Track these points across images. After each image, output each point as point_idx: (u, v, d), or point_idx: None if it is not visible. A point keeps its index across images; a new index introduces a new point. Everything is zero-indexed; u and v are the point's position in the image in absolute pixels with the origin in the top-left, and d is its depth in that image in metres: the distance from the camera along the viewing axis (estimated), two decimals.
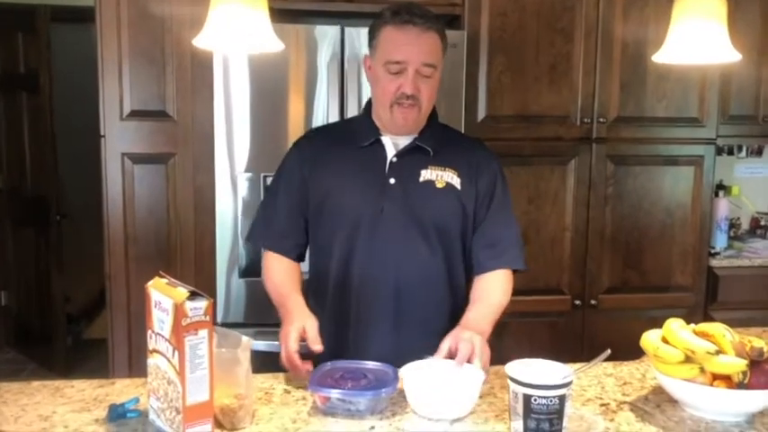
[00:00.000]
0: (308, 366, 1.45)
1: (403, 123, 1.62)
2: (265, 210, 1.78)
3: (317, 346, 1.48)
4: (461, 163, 1.68)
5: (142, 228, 2.73)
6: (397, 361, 1.44)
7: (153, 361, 1.27)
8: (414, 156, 1.66)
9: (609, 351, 1.35)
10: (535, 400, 1.19)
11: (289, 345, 1.48)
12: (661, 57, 1.46)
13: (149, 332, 1.27)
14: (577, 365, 1.33)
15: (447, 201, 1.65)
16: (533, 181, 2.89)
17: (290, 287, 1.67)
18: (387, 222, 1.62)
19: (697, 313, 3.01)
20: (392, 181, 1.64)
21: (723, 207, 3.17)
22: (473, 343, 1.44)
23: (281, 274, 1.70)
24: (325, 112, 2.57)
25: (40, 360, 4.15)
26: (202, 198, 2.72)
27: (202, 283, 2.71)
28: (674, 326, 1.37)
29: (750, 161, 3.44)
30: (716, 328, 1.34)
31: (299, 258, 1.75)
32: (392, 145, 1.66)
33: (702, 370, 1.32)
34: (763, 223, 3.44)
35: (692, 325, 1.40)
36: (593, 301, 2.97)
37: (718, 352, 1.29)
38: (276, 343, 2.45)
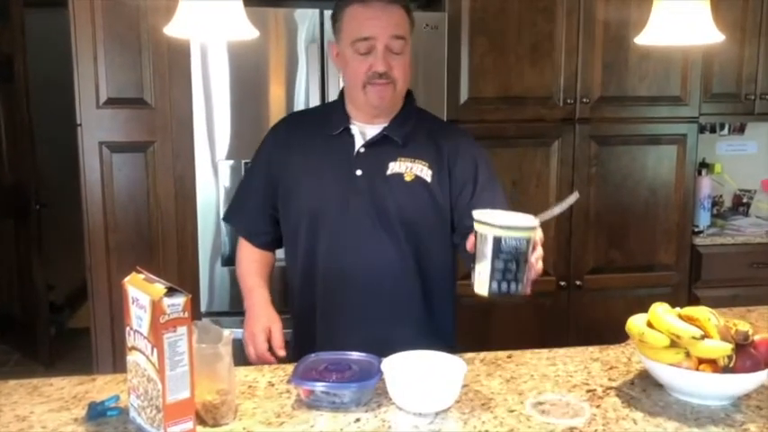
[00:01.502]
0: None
1: (379, 103, 1.58)
2: (240, 192, 1.80)
3: (281, 351, 1.56)
4: (433, 153, 1.62)
5: (122, 217, 2.69)
6: (379, 346, 1.42)
7: (132, 358, 1.25)
8: (382, 146, 1.61)
9: (576, 194, 1.34)
10: (505, 241, 1.18)
11: (259, 346, 1.58)
12: (643, 39, 1.44)
13: (127, 329, 1.25)
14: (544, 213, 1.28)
15: (415, 195, 1.60)
16: (517, 163, 2.87)
17: (255, 279, 1.70)
18: (352, 216, 1.59)
19: (681, 292, 3.03)
20: (359, 173, 1.60)
21: (706, 185, 3.17)
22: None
23: (249, 264, 1.73)
24: (305, 97, 2.53)
25: (24, 350, 4.11)
26: (183, 186, 2.69)
27: (185, 273, 2.69)
28: (660, 310, 1.36)
29: (732, 139, 3.45)
30: (701, 312, 1.34)
31: (271, 246, 1.75)
32: (360, 135, 1.62)
33: (688, 354, 1.31)
34: (745, 200, 3.46)
35: (678, 309, 1.40)
36: (578, 282, 2.97)
37: (704, 336, 1.28)
38: None
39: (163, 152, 2.69)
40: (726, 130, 3.42)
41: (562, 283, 2.97)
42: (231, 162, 2.53)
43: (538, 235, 1.26)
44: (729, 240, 3.08)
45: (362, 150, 1.61)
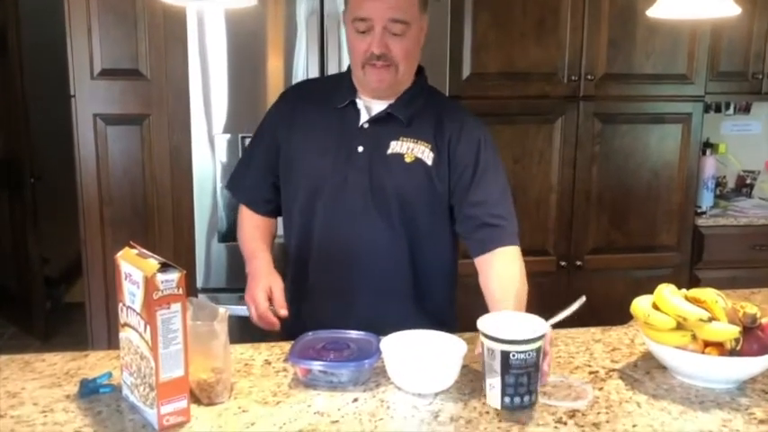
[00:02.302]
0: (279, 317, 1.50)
1: (377, 85, 1.52)
2: (243, 159, 1.77)
3: (282, 310, 1.50)
4: (438, 134, 1.56)
5: (117, 191, 2.64)
6: (378, 325, 1.40)
7: (125, 335, 1.21)
8: (386, 124, 1.56)
9: (583, 298, 1.31)
10: (513, 355, 1.15)
11: (259, 304, 1.51)
12: (656, 11, 1.39)
13: (120, 305, 1.21)
14: (552, 318, 1.28)
15: (413, 177, 1.55)
16: (519, 140, 2.83)
17: (258, 244, 1.65)
18: (349, 192, 1.55)
19: (682, 273, 3.01)
20: (360, 149, 1.55)
21: (710, 165, 3.14)
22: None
23: (251, 229, 1.69)
24: (304, 70, 2.48)
25: (19, 324, 4.09)
26: (179, 160, 2.64)
27: (181, 248, 2.65)
28: (666, 292, 1.33)
29: (737, 118, 3.40)
30: (708, 294, 1.31)
31: (273, 214, 1.72)
32: (365, 110, 1.57)
33: (694, 337, 1.28)
34: (748, 181, 3.42)
35: (684, 290, 1.36)
36: (578, 262, 2.95)
37: (711, 319, 1.25)
38: None
39: (158, 125, 2.63)
40: (731, 110, 3.37)
41: (562, 263, 2.94)
42: (228, 136, 2.48)
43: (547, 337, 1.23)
44: (732, 222, 3.05)
45: (366, 126, 1.57)
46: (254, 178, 1.69)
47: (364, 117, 1.57)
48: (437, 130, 1.57)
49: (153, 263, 1.14)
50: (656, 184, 2.96)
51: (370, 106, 1.58)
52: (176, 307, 1.13)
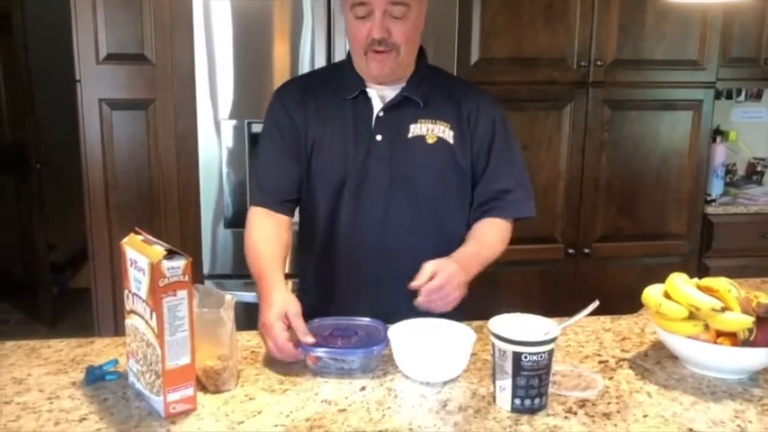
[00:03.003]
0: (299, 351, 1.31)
1: (378, 72, 1.50)
2: (257, 170, 1.64)
3: (307, 338, 1.28)
4: (455, 113, 1.56)
5: (123, 177, 2.63)
6: (389, 313, 1.39)
7: (131, 322, 1.21)
8: (402, 108, 1.54)
9: (597, 303, 1.29)
10: (525, 357, 1.14)
11: (277, 337, 1.28)
12: None
13: (126, 292, 1.20)
14: (565, 320, 1.27)
15: (438, 158, 1.54)
16: (528, 126, 2.80)
17: (270, 262, 1.45)
18: (372, 182, 1.53)
19: (691, 261, 2.98)
20: (379, 138, 1.53)
21: (720, 153, 3.10)
22: (448, 280, 1.38)
23: (264, 242, 1.50)
24: (310, 56, 2.45)
25: (25, 310, 4.10)
26: (185, 146, 2.62)
27: (187, 234, 2.64)
28: (678, 281, 1.31)
29: (748, 105, 3.36)
30: (721, 284, 1.29)
31: (292, 212, 1.59)
32: (378, 98, 1.54)
33: (706, 326, 1.27)
34: (759, 169, 3.38)
35: (696, 279, 1.34)
36: (586, 250, 2.93)
37: (724, 309, 1.23)
38: None
39: (164, 110, 2.61)
40: (742, 97, 3.32)
41: (570, 251, 2.93)
42: (234, 122, 2.46)
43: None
44: (742, 210, 3.02)
45: (381, 114, 1.54)
46: (276, 175, 1.57)
47: (377, 105, 1.54)
48: (454, 109, 1.56)
49: (159, 249, 1.13)
50: (666, 172, 2.93)
51: (382, 94, 1.55)
52: (183, 294, 1.12)
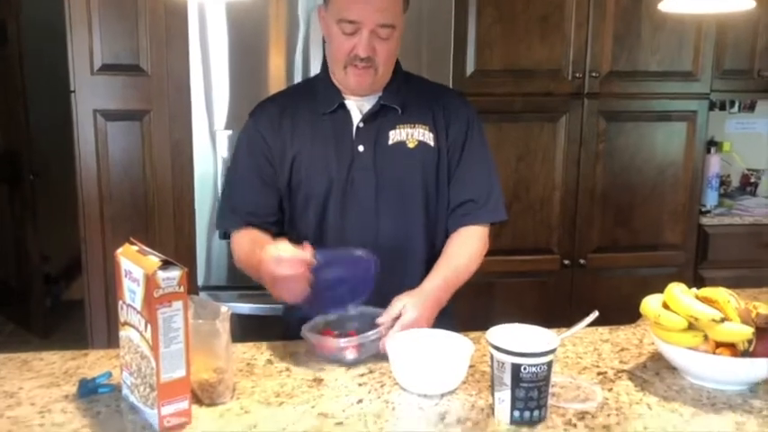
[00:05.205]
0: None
1: (356, 87, 1.51)
2: (227, 193, 1.63)
3: (306, 253, 1.28)
4: (431, 115, 1.57)
5: (117, 188, 2.61)
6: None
7: (125, 333, 1.19)
8: (381, 117, 1.54)
9: (596, 313, 1.28)
10: (525, 368, 1.12)
11: (280, 254, 1.27)
12: (668, 4, 1.36)
13: (120, 303, 1.19)
14: (564, 331, 1.26)
15: (421, 161, 1.55)
16: (523, 138, 2.80)
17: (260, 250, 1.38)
18: (358, 193, 1.53)
19: (687, 272, 2.98)
20: (361, 148, 1.53)
21: (714, 164, 3.11)
22: (416, 321, 1.39)
23: (248, 244, 1.49)
24: (303, 65, 2.45)
25: (18, 321, 4.07)
26: (180, 157, 2.61)
27: (182, 245, 2.63)
28: (676, 291, 1.30)
29: (742, 116, 3.37)
30: (720, 294, 1.28)
31: (277, 227, 1.58)
32: (357, 109, 1.55)
33: (706, 337, 1.26)
34: (753, 180, 3.39)
35: (695, 289, 1.34)
36: (582, 261, 2.92)
37: (724, 319, 1.23)
38: (259, 305, 2.42)
39: (159, 121, 2.60)
40: (735, 108, 3.34)
41: (566, 262, 2.92)
42: (229, 132, 2.45)
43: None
44: (737, 221, 3.02)
45: (362, 125, 1.54)
46: (254, 201, 1.56)
47: (357, 116, 1.55)
48: (430, 112, 1.57)
49: (154, 260, 1.11)
50: (661, 182, 2.94)
51: (360, 104, 1.55)
52: (178, 305, 1.11)
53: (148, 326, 1.10)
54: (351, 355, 1.35)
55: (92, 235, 2.62)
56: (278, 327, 1.66)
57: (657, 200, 2.95)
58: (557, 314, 2.87)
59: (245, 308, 2.44)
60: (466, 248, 1.58)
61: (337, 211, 1.54)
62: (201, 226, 2.52)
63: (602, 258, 2.94)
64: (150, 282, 1.08)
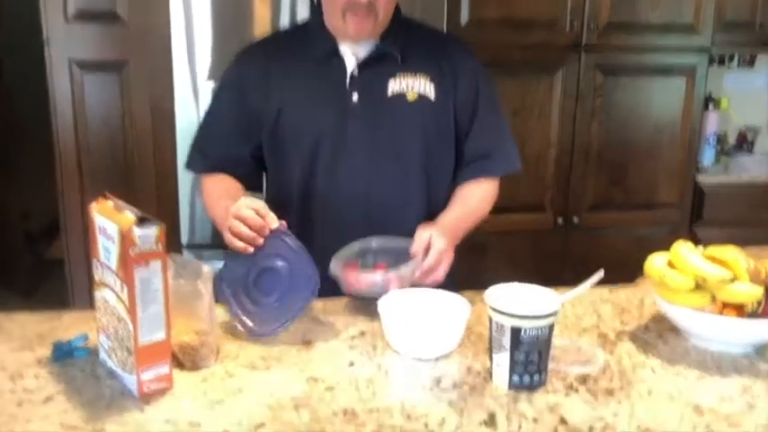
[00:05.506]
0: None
1: (355, 35, 1.41)
2: (202, 132, 1.56)
3: (274, 222, 1.23)
4: (434, 66, 1.47)
5: (95, 142, 2.50)
6: None
7: (100, 294, 1.11)
8: (378, 65, 1.44)
9: (601, 273, 1.22)
10: (525, 331, 1.06)
11: (246, 214, 1.22)
12: None
13: (95, 262, 1.11)
14: (567, 292, 1.20)
15: (421, 118, 1.46)
16: (519, 93, 2.71)
17: (231, 199, 1.34)
18: (352, 147, 1.44)
19: (681, 231, 2.94)
20: (355, 98, 1.44)
21: (712, 121, 3.05)
22: (441, 253, 1.32)
23: (220, 190, 1.46)
24: (291, 11, 2.33)
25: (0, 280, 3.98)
26: (161, 110, 2.49)
27: (164, 202, 2.53)
28: (683, 250, 1.24)
29: (741, 72, 3.29)
30: (729, 253, 1.22)
31: (250, 180, 1.53)
32: (352, 55, 1.44)
33: (713, 298, 1.20)
34: (749, 138, 3.33)
35: (701, 248, 1.28)
36: (575, 219, 2.87)
37: (734, 279, 1.17)
38: None
39: (138, 72, 2.47)
40: (735, 63, 3.25)
41: (559, 220, 2.86)
42: (213, 84, 2.35)
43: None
44: (734, 179, 2.97)
45: (356, 73, 1.44)
46: (227, 139, 1.50)
47: (351, 63, 1.44)
48: (434, 62, 1.47)
49: (129, 216, 1.03)
50: (658, 140, 2.87)
51: (355, 51, 1.45)
52: (156, 265, 1.03)
53: (124, 287, 1.02)
54: (393, 288, 1.27)
55: (70, 191, 2.52)
56: None
57: (653, 157, 2.89)
58: (549, 273, 2.80)
59: None
60: (479, 191, 1.53)
61: (326, 169, 1.45)
62: (185, 182, 2.43)
63: (596, 217, 2.89)
64: (125, 239, 1.01)
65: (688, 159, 2.91)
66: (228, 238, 1.29)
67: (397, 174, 1.47)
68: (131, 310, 1.02)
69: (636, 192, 2.91)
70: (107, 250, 1.06)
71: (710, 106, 3.06)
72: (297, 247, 1.25)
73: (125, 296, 1.03)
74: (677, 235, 2.83)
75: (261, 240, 1.25)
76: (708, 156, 3.04)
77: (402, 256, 1.33)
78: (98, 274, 1.11)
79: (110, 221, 1.04)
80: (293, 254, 1.25)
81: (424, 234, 1.33)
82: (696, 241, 3.00)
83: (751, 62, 3.27)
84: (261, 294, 1.26)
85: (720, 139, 3.25)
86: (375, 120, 1.44)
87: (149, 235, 1.02)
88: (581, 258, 2.84)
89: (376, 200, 1.46)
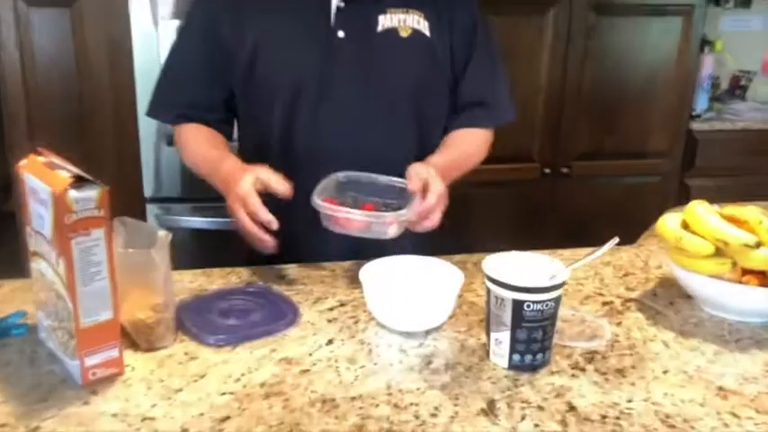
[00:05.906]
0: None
1: None
2: (168, 76, 1.39)
3: (283, 188, 1.12)
4: (429, 1, 1.32)
5: (45, 88, 2.29)
6: (360, 248, 1.18)
7: (36, 266, 0.96)
8: None
9: (616, 239, 1.08)
10: (528, 306, 0.93)
11: (256, 207, 1.10)
12: None
13: (28, 229, 0.95)
14: (575, 263, 1.07)
15: (416, 55, 1.31)
16: (507, 34, 2.51)
17: (220, 150, 1.31)
18: (338, 89, 1.28)
19: (671, 180, 2.82)
20: (341, 34, 1.28)
21: (708, 64, 2.90)
22: (440, 195, 1.16)
23: (204, 142, 1.34)
24: None
25: None
26: (118, 51, 2.27)
27: (125, 153, 2.35)
28: (700, 209, 1.11)
29: (737, 13, 3.13)
30: (750, 214, 1.09)
31: (224, 127, 1.39)
32: None
33: (734, 264, 1.08)
34: (743, 83, 3.20)
35: (716, 207, 1.15)
36: (564, 169, 2.73)
37: (758, 244, 1.04)
38: (216, 219, 2.18)
39: (92, 9, 2.24)
40: (731, 3, 3.09)
41: (546, 171, 2.73)
42: (176, 23, 2.14)
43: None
44: (728, 126, 2.85)
45: (342, 5, 1.28)
46: (195, 83, 1.35)
47: None
48: None
49: (64, 175, 0.87)
50: (651, 84, 2.73)
51: None
52: (98, 233, 0.87)
53: (61, 259, 0.87)
54: (393, 230, 1.13)
55: (19, 142, 2.31)
56: (240, 243, 1.42)
57: (646, 103, 2.75)
58: (537, 226, 2.70)
59: (200, 222, 2.21)
60: (472, 137, 1.40)
61: (308, 115, 1.30)
62: (147, 130, 2.25)
63: (585, 166, 2.76)
64: (60, 204, 0.84)
65: (681, 105, 2.77)
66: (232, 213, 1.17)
67: (388, 119, 1.32)
68: (70, 287, 0.87)
69: (628, 140, 2.77)
70: (40, 217, 0.90)
71: (706, 49, 2.91)
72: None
73: (62, 270, 0.87)
74: (667, 185, 2.76)
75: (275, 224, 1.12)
76: (701, 102, 2.90)
77: (383, 194, 1.20)
78: (32, 244, 0.95)
79: (41, 182, 0.88)
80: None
81: (421, 172, 1.17)
82: (687, 191, 2.89)
83: (747, 3, 3.11)
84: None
85: (713, 85, 3.11)
86: (365, 58, 1.28)
87: (89, 198, 0.85)
88: (570, 210, 2.72)
89: (364, 149, 1.31)
